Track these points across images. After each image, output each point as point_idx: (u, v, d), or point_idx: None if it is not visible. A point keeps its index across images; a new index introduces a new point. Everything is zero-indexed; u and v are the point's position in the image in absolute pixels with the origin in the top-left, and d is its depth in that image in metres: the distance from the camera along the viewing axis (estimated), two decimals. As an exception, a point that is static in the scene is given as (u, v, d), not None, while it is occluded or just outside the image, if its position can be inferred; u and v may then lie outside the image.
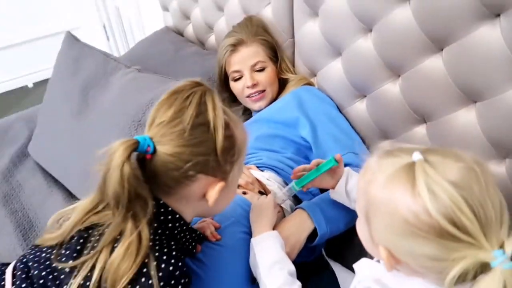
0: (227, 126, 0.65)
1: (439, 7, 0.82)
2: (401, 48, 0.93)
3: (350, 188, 0.88)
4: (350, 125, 1.15)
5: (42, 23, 2.97)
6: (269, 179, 1.03)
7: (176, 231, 0.69)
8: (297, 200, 1.03)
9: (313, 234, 0.90)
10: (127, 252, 0.61)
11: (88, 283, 0.61)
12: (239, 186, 0.95)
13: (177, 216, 0.68)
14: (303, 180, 0.89)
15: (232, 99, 1.32)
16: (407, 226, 0.51)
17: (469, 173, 0.51)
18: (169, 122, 0.63)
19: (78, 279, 0.62)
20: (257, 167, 1.06)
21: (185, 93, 0.64)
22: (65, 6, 3.06)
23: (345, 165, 1.04)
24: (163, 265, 0.63)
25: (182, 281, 0.64)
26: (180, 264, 0.64)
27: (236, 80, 1.25)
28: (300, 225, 0.90)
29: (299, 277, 0.83)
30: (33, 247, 0.72)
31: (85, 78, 1.35)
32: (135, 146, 0.60)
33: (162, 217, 0.66)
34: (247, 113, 1.33)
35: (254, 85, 1.22)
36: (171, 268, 0.63)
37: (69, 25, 3.06)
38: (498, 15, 0.75)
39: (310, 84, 1.24)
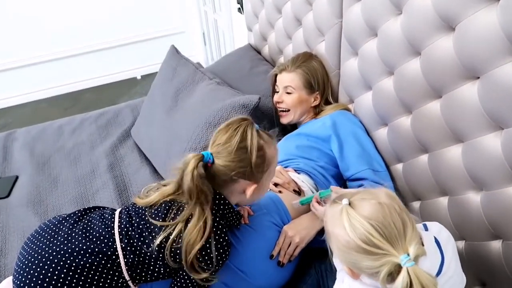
0: (260, 148, 0.98)
1: (475, 41, 0.90)
2: (411, 91, 1.15)
3: None
4: (375, 147, 1.39)
5: (152, 25, 3.48)
6: (303, 181, 1.30)
7: (226, 213, 1.03)
8: None
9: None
10: (196, 228, 0.93)
11: (169, 238, 0.96)
12: (277, 185, 1.25)
13: (228, 202, 1.02)
14: (305, 200, 1.18)
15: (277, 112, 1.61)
16: (345, 248, 0.78)
17: (378, 207, 0.78)
18: (223, 144, 0.96)
19: (163, 235, 0.96)
20: (295, 170, 1.34)
21: (235, 125, 0.98)
22: (174, 13, 3.52)
23: (363, 179, 1.30)
24: (220, 238, 0.97)
25: (228, 251, 0.98)
26: (227, 239, 0.99)
27: (275, 92, 1.58)
28: (312, 222, 1.16)
29: (304, 261, 1.10)
30: (132, 203, 1.08)
31: (178, 83, 1.74)
32: (201, 158, 0.95)
33: (217, 201, 1.01)
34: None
35: (279, 102, 1.55)
36: (224, 242, 0.98)
37: (176, 29, 3.56)
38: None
39: (347, 109, 1.50)
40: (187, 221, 0.96)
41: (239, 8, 2.44)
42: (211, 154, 0.97)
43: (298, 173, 1.33)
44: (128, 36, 3.47)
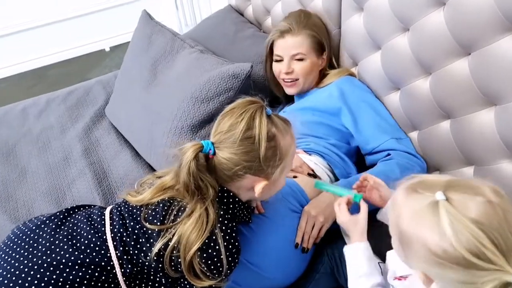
0: (272, 138, 0.81)
1: (468, 16, 0.89)
2: (433, 49, 1.01)
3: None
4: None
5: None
6: (316, 163, 1.16)
7: (235, 209, 0.87)
8: None
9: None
10: (196, 225, 0.79)
11: (168, 245, 0.80)
12: (291, 170, 1.08)
13: (236, 198, 0.86)
14: (324, 185, 1.02)
15: (274, 80, 1.42)
16: (437, 258, 0.59)
17: (488, 207, 0.58)
18: (226, 132, 0.81)
19: (161, 242, 0.80)
20: (305, 151, 1.19)
21: (241, 109, 0.81)
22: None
23: (390, 150, 1.15)
24: (227, 237, 0.81)
25: (238, 253, 0.83)
26: (238, 237, 0.83)
27: (276, 61, 1.35)
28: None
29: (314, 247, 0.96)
30: (124, 201, 0.91)
31: (155, 54, 1.54)
32: (201, 148, 0.80)
33: (225, 199, 0.85)
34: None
35: (288, 73, 1.31)
36: (233, 240, 0.82)
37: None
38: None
39: (351, 74, 1.33)
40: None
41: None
42: (212, 144, 0.82)
43: (309, 155, 1.18)
44: (90, 5, 3.15)
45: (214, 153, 0.81)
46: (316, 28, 1.30)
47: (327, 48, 1.33)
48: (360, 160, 1.25)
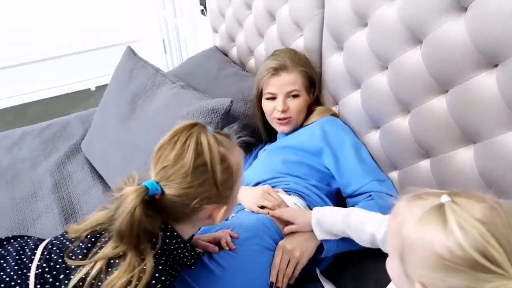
0: (223, 159, 0.74)
1: (445, 54, 0.89)
2: (411, 87, 1.00)
3: (329, 227, 0.98)
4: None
5: (107, 33, 3.23)
6: (295, 203, 1.11)
7: (175, 251, 0.78)
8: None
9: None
10: (124, 277, 0.68)
11: (85, 280, 0.71)
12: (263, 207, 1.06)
13: (180, 239, 0.77)
14: None
15: (262, 119, 1.40)
16: (441, 260, 0.56)
17: (492, 211, 0.57)
18: (172, 166, 0.71)
19: (78, 276, 0.72)
20: (285, 191, 1.14)
21: (184, 135, 0.72)
22: (130, 20, 3.32)
23: (371, 192, 1.12)
24: (153, 281, 0.71)
25: None
26: (168, 282, 0.73)
27: (268, 99, 1.30)
28: (311, 235, 0.99)
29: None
30: (64, 232, 0.82)
31: (136, 88, 1.52)
32: (145, 192, 0.70)
33: (167, 240, 0.76)
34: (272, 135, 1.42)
35: (284, 111, 1.27)
36: (159, 285, 0.72)
37: (132, 37, 3.32)
38: (496, 65, 0.82)
39: (334, 115, 1.31)
40: (109, 262, 0.72)
41: (202, 10, 2.26)
42: (157, 182, 0.72)
43: (289, 194, 1.14)
44: (79, 45, 3.19)
45: (162, 193, 0.72)
46: (307, 65, 1.30)
47: (316, 84, 1.32)
48: (340, 202, 1.20)
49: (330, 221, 0.98)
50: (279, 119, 1.30)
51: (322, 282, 1.01)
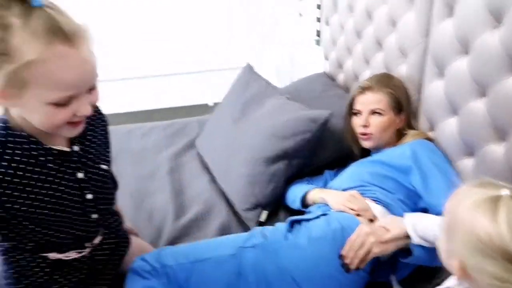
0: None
1: None
2: (510, 115, 1.02)
3: (423, 230, 0.98)
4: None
5: (225, 57, 3.60)
6: (381, 212, 1.18)
7: None
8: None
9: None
10: None
11: None
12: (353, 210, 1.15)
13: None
14: None
15: (351, 133, 1.48)
16: (480, 244, 0.61)
17: None
18: None
19: None
20: (372, 200, 1.22)
21: None
22: (248, 46, 3.63)
23: None
24: None
25: None
26: None
27: (355, 114, 1.43)
28: (400, 229, 1.02)
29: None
30: None
31: (249, 96, 1.74)
32: None
33: None
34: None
35: (365, 126, 1.38)
36: None
37: (249, 61, 3.64)
38: None
39: (428, 139, 1.35)
40: None
41: (317, 40, 2.44)
42: None
43: (376, 203, 1.21)
44: (203, 65, 3.60)
45: None
46: (396, 88, 1.38)
47: (405, 108, 1.39)
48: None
49: (425, 224, 0.99)
50: (361, 133, 1.41)
51: None
